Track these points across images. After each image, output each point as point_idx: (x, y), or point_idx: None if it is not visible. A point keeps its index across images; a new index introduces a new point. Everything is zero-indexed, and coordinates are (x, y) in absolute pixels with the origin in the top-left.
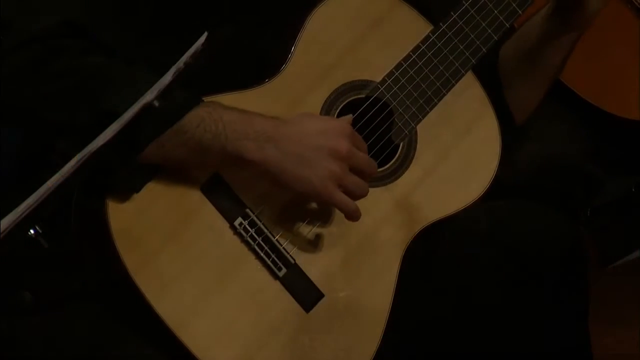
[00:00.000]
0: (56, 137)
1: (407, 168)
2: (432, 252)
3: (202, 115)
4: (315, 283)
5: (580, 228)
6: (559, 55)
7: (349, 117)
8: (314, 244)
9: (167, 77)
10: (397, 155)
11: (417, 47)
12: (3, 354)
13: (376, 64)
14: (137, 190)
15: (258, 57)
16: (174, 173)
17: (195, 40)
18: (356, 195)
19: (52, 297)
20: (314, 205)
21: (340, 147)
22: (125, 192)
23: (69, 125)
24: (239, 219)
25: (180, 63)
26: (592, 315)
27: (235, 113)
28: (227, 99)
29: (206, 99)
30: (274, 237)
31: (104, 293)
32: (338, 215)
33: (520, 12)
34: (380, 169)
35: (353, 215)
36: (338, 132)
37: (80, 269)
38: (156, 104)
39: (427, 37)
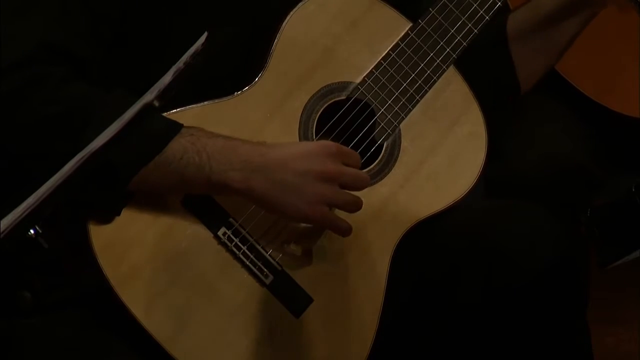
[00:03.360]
0: (34, 167)
1: (392, 167)
2: (422, 251)
3: (185, 145)
4: (304, 288)
5: (580, 228)
6: (573, 30)
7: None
8: (300, 250)
9: (167, 77)
10: (381, 155)
11: (397, 45)
12: (2, 354)
13: (356, 65)
14: (118, 214)
15: (237, 63)
16: None
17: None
18: (351, 211)
19: (52, 298)
20: None
21: (327, 169)
22: (106, 216)
23: (47, 157)
24: (223, 229)
25: (180, 63)
26: (592, 315)
27: (220, 142)
28: (207, 108)
29: (186, 109)
30: (259, 245)
31: (95, 299)
32: None
33: (499, 3)
34: (365, 170)
35: (345, 234)
36: (323, 153)
37: (74, 273)
38: (156, 104)
39: (406, 35)
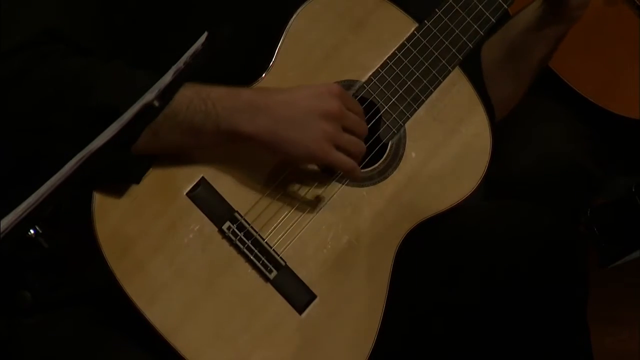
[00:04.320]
0: (49, 140)
1: (396, 166)
2: (422, 251)
3: (190, 96)
4: (307, 284)
5: (580, 228)
6: (543, 50)
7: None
8: (305, 246)
9: (167, 77)
10: (386, 154)
11: (403, 45)
12: (2, 354)
13: (362, 64)
14: (137, 182)
15: (243, 61)
16: (160, 179)
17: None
18: (353, 153)
19: (51, 298)
20: (304, 205)
21: (331, 108)
22: (110, 194)
23: (61, 127)
24: (227, 223)
25: (180, 63)
26: (592, 315)
27: (223, 89)
28: None
29: None
30: (264, 240)
31: (95, 297)
32: (329, 215)
33: (505, 6)
34: (370, 168)
35: (353, 172)
36: (328, 93)
37: (74, 272)
38: (156, 103)
39: (412, 35)
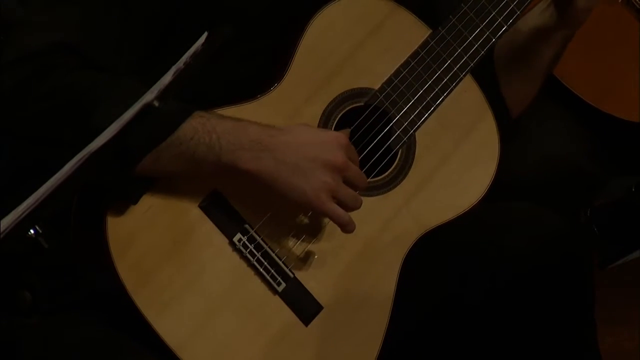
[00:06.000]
0: (46, 152)
1: (406, 175)
2: (426, 256)
3: (195, 126)
4: (314, 296)
5: (580, 228)
6: (551, 52)
7: (347, 131)
8: (313, 257)
9: (167, 77)
10: (395, 163)
11: (416, 53)
12: (2, 354)
13: (375, 71)
14: (134, 202)
15: (258, 67)
16: (173, 191)
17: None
18: (349, 207)
19: (52, 298)
20: (312, 218)
21: (335, 159)
22: (122, 205)
23: (58, 142)
24: (238, 235)
25: (180, 63)
26: None
27: (229, 123)
28: (226, 112)
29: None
30: (273, 252)
31: (103, 303)
32: (337, 227)
33: (518, 12)
34: (379, 177)
35: (347, 227)
36: (334, 143)
37: (79, 276)
38: (156, 104)
39: (426, 42)
